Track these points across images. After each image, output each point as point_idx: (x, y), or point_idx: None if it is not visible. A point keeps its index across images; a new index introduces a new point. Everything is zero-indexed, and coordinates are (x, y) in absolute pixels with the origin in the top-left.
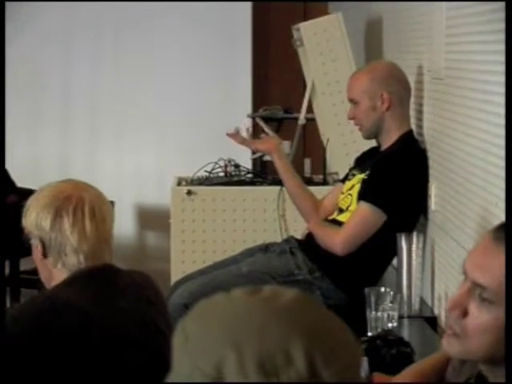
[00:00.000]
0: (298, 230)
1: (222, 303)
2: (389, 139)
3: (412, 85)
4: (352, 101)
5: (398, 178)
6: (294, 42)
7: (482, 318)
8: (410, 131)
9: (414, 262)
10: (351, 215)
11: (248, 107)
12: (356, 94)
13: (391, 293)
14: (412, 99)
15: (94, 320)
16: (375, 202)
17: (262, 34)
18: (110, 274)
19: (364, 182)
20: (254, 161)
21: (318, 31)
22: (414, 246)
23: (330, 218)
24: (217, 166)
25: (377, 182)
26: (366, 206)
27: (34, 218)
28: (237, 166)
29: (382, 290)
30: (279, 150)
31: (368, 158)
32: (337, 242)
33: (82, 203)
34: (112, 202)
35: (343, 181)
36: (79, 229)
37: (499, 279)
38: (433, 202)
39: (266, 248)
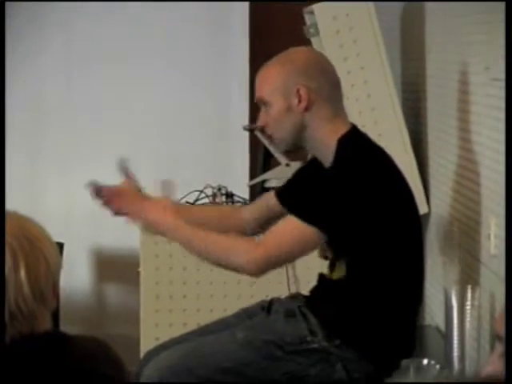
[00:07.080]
0: (312, 282)
1: None
2: (328, 150)
3: (464, 87)
4: (261, 102)
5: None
6: (307, 29)
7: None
8: (352, 129)
9: (467, 325)
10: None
11: (245, 117)
12: (265, 92)
13: (437, 366)
14: (462, 106)
15: None
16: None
17: (262, 30)
18: (51, 344)
19: None
20: (253, 188)
21: (339, 15)
22: (468, 304)
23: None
24: (202, 195)
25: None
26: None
27: None
28: (229, 195)
29: (425, 362)
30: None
31: (312, 176)
32: (252, 257)
33: None
34: (60, 245)
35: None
36: None
37: None
38: (492, 245)
39: (268, 307)
